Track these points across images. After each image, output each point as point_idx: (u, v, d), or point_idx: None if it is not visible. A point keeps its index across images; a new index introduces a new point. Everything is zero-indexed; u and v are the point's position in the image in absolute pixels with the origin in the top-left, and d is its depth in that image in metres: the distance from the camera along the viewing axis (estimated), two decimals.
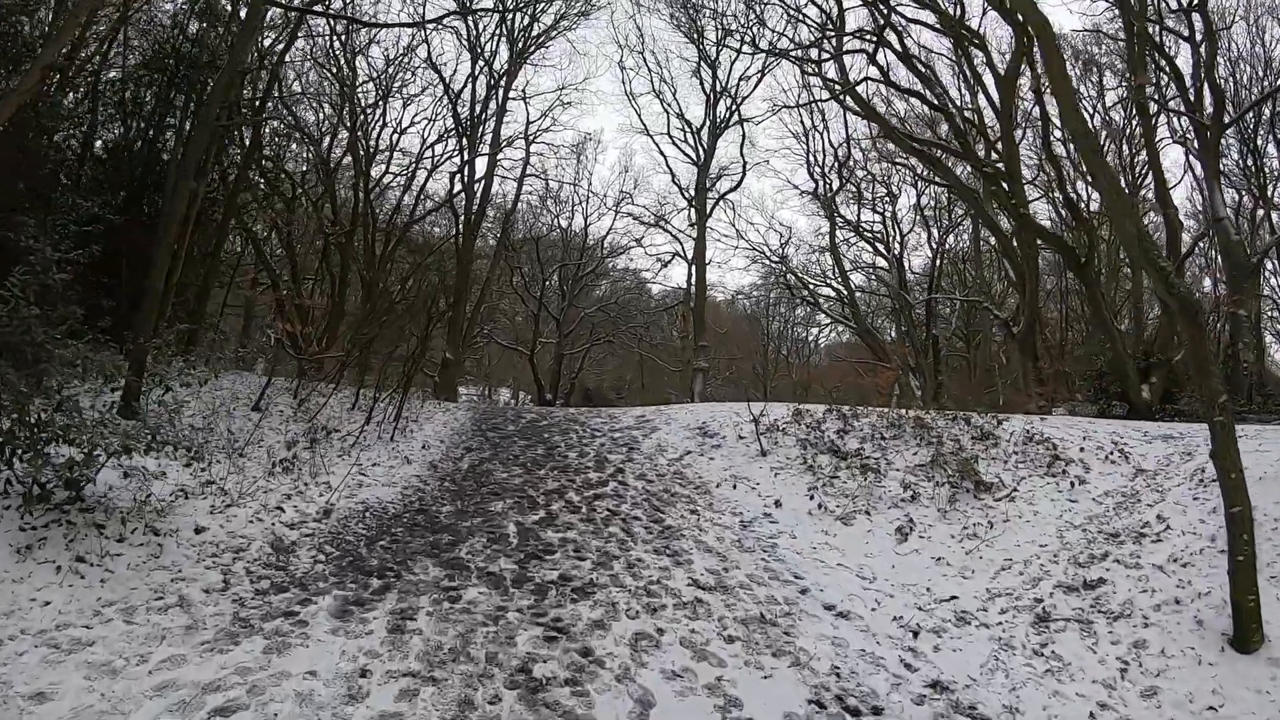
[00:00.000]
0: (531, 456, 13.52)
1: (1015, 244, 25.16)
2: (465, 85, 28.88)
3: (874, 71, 22.09)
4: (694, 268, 32.04)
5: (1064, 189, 21.46)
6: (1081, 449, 12.79)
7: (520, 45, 29.17)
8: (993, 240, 37.26)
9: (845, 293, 34.73)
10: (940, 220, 40.48)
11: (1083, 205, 24.91)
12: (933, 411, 15.23)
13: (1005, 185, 22.97)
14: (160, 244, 12.76)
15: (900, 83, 23.75)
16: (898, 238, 39.33)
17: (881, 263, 40.41)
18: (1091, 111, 34.61)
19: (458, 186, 29.64)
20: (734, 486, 12.10)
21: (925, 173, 33.94)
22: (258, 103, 19.73)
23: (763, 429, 14.24)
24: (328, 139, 29.03)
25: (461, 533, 9.29)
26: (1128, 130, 33.55)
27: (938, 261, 40.66)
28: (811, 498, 11.34)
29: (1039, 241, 21.66)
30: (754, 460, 13.40)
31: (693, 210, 33.11)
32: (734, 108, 32.24)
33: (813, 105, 34.21)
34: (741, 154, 31.84)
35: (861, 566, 9.61)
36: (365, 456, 12.20)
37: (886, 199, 39.40)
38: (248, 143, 22.37)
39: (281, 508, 9.15)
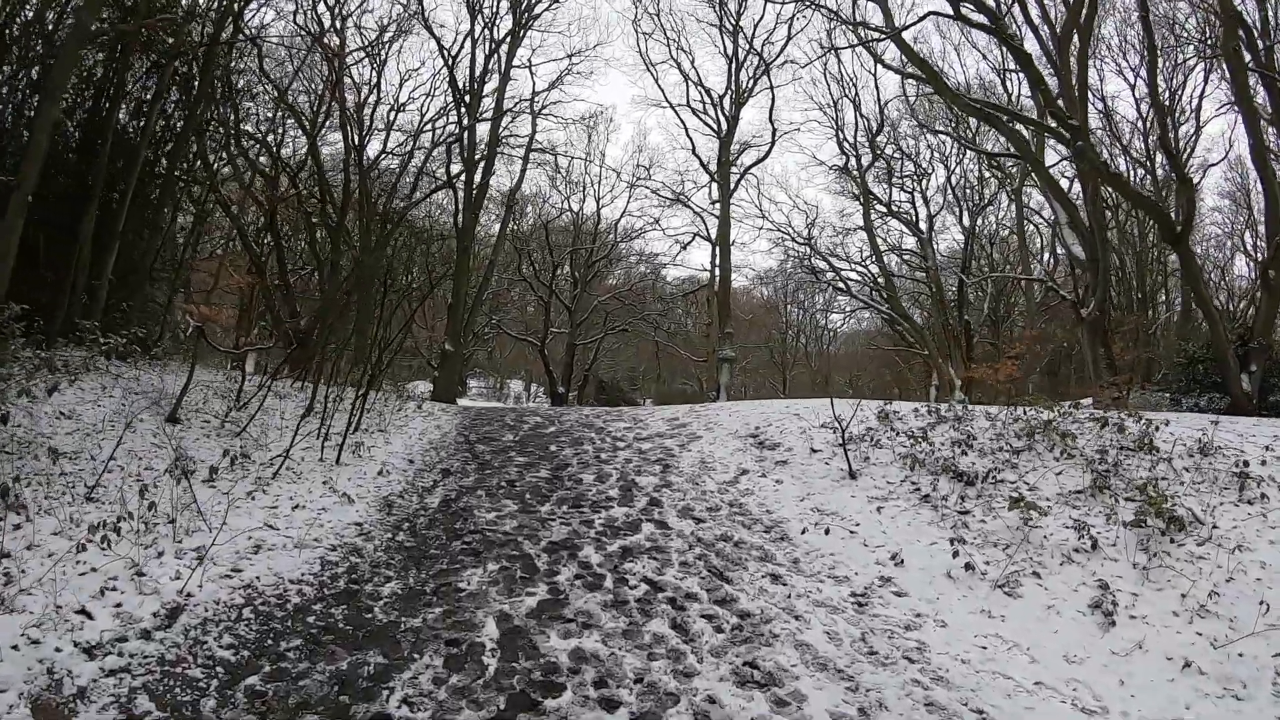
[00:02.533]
0: (532, 483, 9.32)
1: (1086, 215, 20.93)
2: (463, 47, 24.65)
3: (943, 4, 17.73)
4: (717, 249, 27.78)
5: (1167, 142, 17.15)
6: (1263, 462, 8.68)
7: (523, 3, 24.87)
8: (1038, 215, 33.24)
9: (880, 275, 30.44)
10: (971, 199, 36.29)
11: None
12: (1056, 408, 11.05)
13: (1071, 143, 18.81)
14: (14, 195, 8.67)
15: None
16: (926, 218, 35.13)
17: (909, 243, 36.26)
18: (1133, 80, 30.47)
19: (456, 165, 25.44)
20: (826, 531, 7.87)
21: (963, 143, 29.80)
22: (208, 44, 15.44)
23: (846, 438, 10.07)
24: (314, 110, 24.91)
25: (403, 646, 5.12)
26: (1179, 96, 29.34)
27: (970, 243, 36.48)
28: (956, 555, 7.10)
29: (1133, 209, 17.29)
30: (840, 485, 9.22)
31: (715, 186, 28.82)
32: (760, 71, 27.86)
33: (851, 61, 30.15)
34: (771, 120, 27.51)
35: (1074, 685, 5.45)
36: (289, 493, 8.00)
37: (915, 177, 35.21)
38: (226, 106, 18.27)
39: (89, 611, 4.98)
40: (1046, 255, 35.39)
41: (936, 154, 35.35)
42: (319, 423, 10.42)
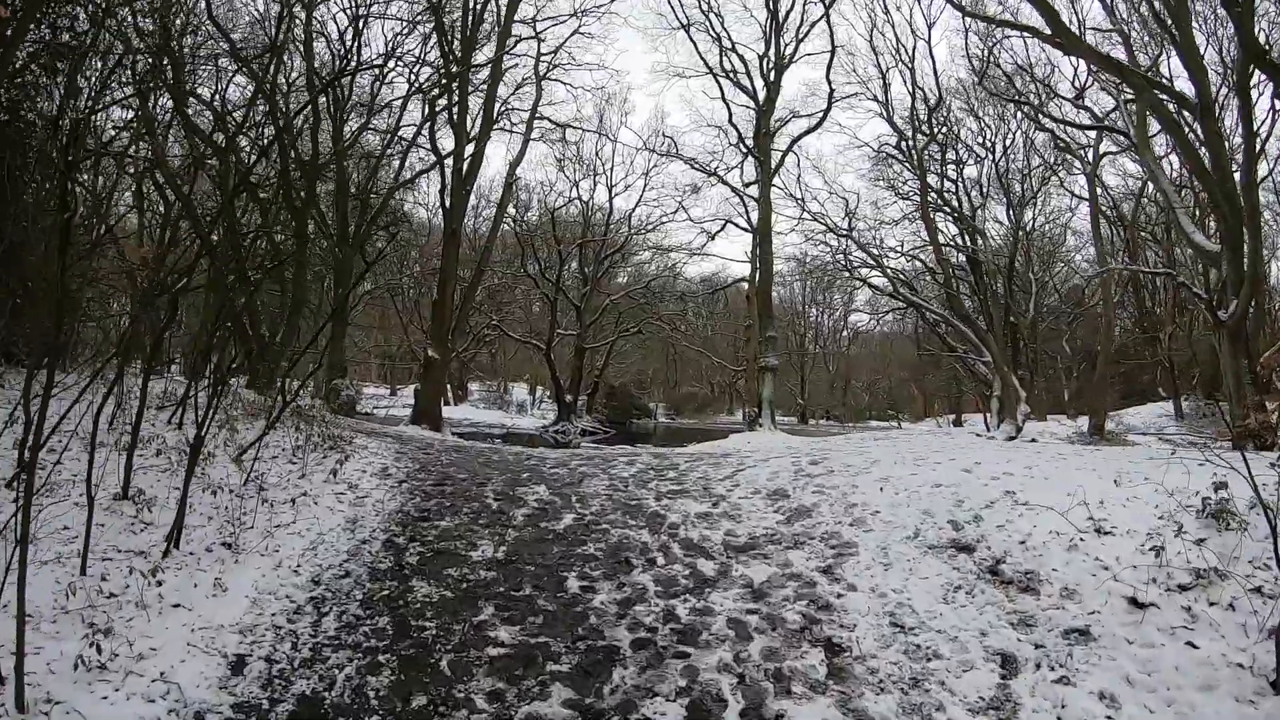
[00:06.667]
0: None
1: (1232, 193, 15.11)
2: None
3: None
4: (758, 238, 21.67)
5: None
6: None
7: None
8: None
9: (939, 272, 24.44)
10: (1024, 188, 30.46)
11: None
12: None
13: None
14: None
15: None
16: (969, 209, 29.19)
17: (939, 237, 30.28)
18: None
19: (446, 141, 19.39)
20: None
21: (1047, 117, 23.76)
22: None
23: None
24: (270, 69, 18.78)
25: None
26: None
27: (1016, 237, 30.62)
28: None
29: None
30: None
31: (751, 165, 22.75)
32: (805, 29, 21.76)
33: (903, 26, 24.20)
34: (828, 78, 21.18)
35: None
36: None
37: (957, 164, 29.33)
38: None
39: None
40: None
41: (983, 137, 29.59)
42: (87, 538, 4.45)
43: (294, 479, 6.75)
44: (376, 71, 20.99)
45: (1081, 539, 5.27)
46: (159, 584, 4.58)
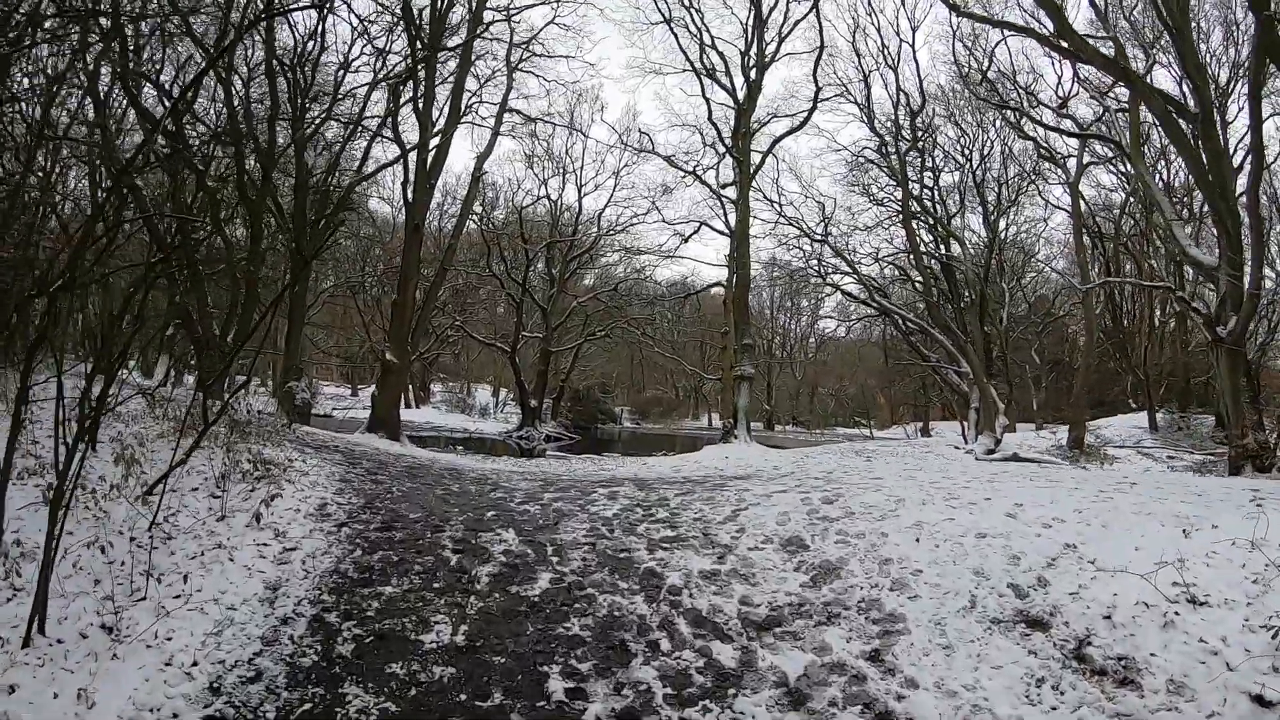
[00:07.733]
0: None
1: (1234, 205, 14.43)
2: None
3: None
4: (735, 240, 20.60)
5: None
6: None
7: None
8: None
9: (920, 279, 23.63)
10: (1001, 197, 29.81)
11: None
12: None
13: None
14: None
15: None
16: (945, 217, 28.44)
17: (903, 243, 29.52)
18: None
19: (412, 134, 18.01)
20: None
21: (1039, 124, 22.96)
22: None
23: None
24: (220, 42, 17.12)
25: None
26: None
27: (993, 246, 29.93)
28: None
29: None
30: None
31: (729, 166, 21.70)
32: (790, 25, 20.75)
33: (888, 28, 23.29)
34: (814, 76, 20.23)
35: None
36: None
37: (933, 171, 28.59)
38: None
39: None
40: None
41: (961, 144, 28.89)
42: None
43: (211, 522, 5.47)
44: (341, 59, 19.57)
45: (1176, 613, 4.26)
46: (9, 692, 3.36)
